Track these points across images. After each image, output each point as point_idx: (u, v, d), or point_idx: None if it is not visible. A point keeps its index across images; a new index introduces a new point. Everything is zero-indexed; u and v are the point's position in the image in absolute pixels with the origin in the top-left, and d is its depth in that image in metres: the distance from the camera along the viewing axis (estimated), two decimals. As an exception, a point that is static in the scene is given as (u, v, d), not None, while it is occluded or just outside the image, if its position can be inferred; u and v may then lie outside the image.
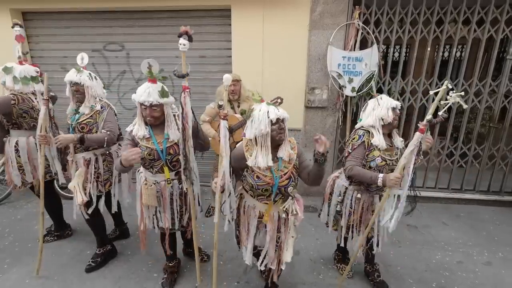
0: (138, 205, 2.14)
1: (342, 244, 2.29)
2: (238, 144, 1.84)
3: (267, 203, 1.80)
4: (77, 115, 2.30)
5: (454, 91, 1.74)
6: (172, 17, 3.68)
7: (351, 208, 2.14)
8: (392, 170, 1.96)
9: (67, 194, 3.43)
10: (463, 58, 3.53)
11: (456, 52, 3.53)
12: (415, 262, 2.71)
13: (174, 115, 1.99)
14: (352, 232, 2.20)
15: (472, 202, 3.84)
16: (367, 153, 2.00)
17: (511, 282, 2.50)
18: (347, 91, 3.47)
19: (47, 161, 2.55)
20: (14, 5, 3.69)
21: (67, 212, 2.91)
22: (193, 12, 3.62)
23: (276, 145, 1.74)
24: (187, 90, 1.84)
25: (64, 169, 2.62)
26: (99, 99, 2.36)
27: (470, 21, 3.34)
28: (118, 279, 2.43)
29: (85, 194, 2.33)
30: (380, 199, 2.15)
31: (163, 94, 1.86)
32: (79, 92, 2.28)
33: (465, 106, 1.82)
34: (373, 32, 3.42)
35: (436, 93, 1.76)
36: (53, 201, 2.86)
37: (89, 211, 2.38)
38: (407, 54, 5.73)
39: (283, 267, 1.95)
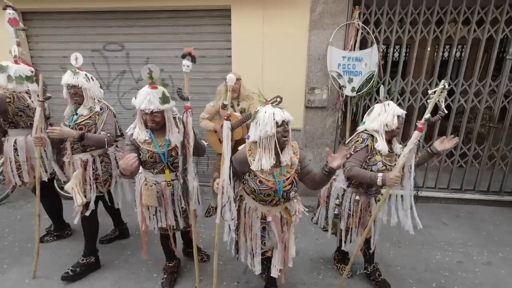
0: (137, 205, 2.14)
1: (343, 248, 2.29)
2: (240, 147, 1.81)
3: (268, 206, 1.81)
4: (75, 117, 2.27)
5: (445, 90, 1.80)
6: (172, 17, 3.68)
7: (350, 210, 2.15)
8: None
9: (67, 194, 3.40)
10: (463, 58, 3.53)
11: (456, 52, 3.53)
12: (415, 262, 2.71)
13: (174, 118, 1.99)
14: (351, 235, 2.20)
15: (472, 202, 3.84)
16: (369, 157, 2.01)
17: (511, 282, 2.50)
18: (347, 91, 3.48)
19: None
20: (13, 5, 3.68)
21: (67, 212, 2.91)
22: (193, 12, 3.61)
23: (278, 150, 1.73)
24: (189, 110, 1.84)
25: (61, 170, 2.58)
26: (98, 100, 2.35)
27: (470, 21, 3.34)
28: (118, 279, 2.43)
29: (84, 195, 2.31)
30: (376, 201, 2.21)
31: (164, 100, 1.85)
32: (77, 94, 2.25)
33: (442, 106, 1.87)
34: (373, 32, 3.42)
35: (434, 92, 1.78)
36: (53, 201, 2.86)
37: (87, 213, 2.35)
38: (407, 54, 5.72)
39: (290, 264, 1.97)
